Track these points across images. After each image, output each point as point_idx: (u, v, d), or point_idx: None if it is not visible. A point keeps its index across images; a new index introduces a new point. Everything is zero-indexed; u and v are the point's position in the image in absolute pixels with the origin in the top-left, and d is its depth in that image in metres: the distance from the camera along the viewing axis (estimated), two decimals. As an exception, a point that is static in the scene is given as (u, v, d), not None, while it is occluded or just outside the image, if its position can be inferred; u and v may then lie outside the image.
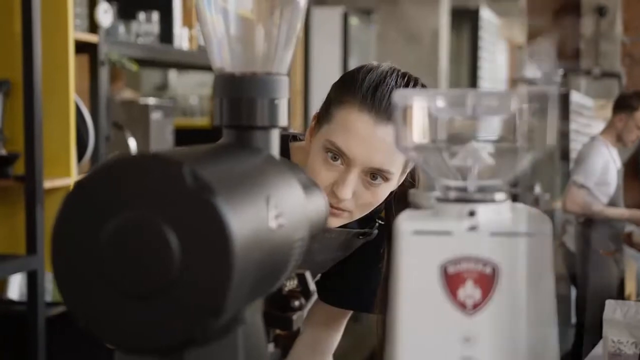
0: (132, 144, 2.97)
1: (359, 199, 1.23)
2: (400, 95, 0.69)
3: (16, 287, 2.74)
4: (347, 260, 1.42)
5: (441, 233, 0.67)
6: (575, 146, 7.26)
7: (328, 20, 5.13)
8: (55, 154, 2.53)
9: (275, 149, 0.82)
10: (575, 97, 7.37)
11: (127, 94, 4.01)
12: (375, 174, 1.22)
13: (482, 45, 7.50)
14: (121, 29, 2.99)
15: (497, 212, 0.68)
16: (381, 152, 1.18)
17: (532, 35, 8.54)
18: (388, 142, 1.18)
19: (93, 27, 2.72)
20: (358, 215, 1.27)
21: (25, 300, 2.50)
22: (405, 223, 0.68)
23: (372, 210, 1.28)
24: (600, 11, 9.08)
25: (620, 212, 4.21)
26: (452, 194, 0.70)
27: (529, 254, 0.66)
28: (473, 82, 7.58)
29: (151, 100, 3.16)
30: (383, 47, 5.51)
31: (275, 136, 0.82)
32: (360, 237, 1.38)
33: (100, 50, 2.72)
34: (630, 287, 5.57)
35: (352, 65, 5.91)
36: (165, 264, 0.60)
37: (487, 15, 7.65)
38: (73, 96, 2.54)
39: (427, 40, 5.63)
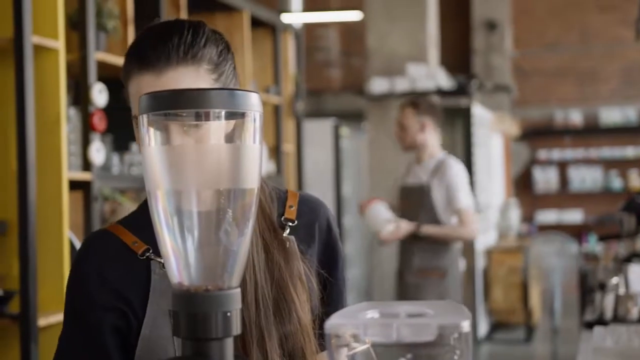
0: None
1: None
2: (330, 325, 0.77)
3: None
4: None
5: None
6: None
7: (320, 132, 5.28)
8: (49, 290, 2.60)
9: (229, 357, 0.89)
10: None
11: (129, 209, 4.08)
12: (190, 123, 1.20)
13: (475, 141, 7.64)
14: (115, 160, 3.11)
15: None
16: None
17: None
18: (178, 85, 1.17)
19: (87, 163, 2.83)
20: None
21: None
22: None
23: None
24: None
25: (435, 229, 3.87)
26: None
27: None
28: (468, 176, 7.66)
29: (145, 226, 3.24)
30: (375, 153, 5.64)
31: (229, 344, 0.90)
32: None
33: (94, 187, 2.83)
34: None
35: (345, 174, 6.04)
36: None
37: (479, 111, 7.82)
38: (67, 233, 2.63)
39: (419, 144, 5.75)
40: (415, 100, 4.15)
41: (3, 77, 2.62)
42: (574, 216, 10.04)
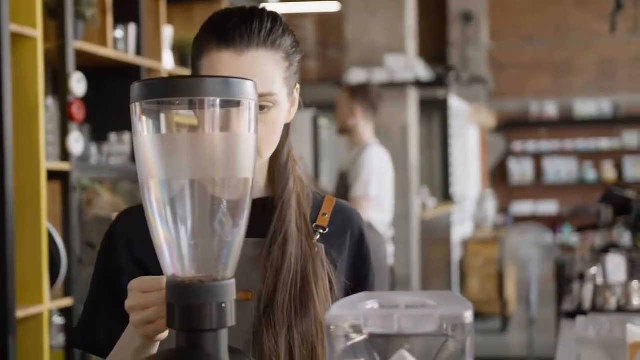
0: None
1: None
2: (332, 316, 0.76)
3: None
4: None
5: None
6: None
7: (298, 123, 5.26)
8: (27, 282, 2.57)
9: (223, 348, 0.88)
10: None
11: (106, 199, 4.01)
12: (261, 105, 1.18)
13: (452, 133, 7.67)
14: (93, 150, 3.07)
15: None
16: (255, 78, 0.99)
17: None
18: (258, 66, 1.19)
19: (65, 154, 2.80)
20: (266, 152, 1.23)
21: None
22: None
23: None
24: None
25: None
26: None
27: None
28: (445, 168, 7.72)
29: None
30: (353, 144, 5.63)
31: (224, 336, 0.88)
32: None
33: (72, 177, 2.79)
34: None
35: (324, 165, 6.03)
36: None
37: (456, 103, 7.84)
38: (45, 224, 2.60)
39: (397, 135, 5.75)
40: (353, 86, 4.20)
41: (-20, 65, 2.57)
42: (549, 207, 10.12)
